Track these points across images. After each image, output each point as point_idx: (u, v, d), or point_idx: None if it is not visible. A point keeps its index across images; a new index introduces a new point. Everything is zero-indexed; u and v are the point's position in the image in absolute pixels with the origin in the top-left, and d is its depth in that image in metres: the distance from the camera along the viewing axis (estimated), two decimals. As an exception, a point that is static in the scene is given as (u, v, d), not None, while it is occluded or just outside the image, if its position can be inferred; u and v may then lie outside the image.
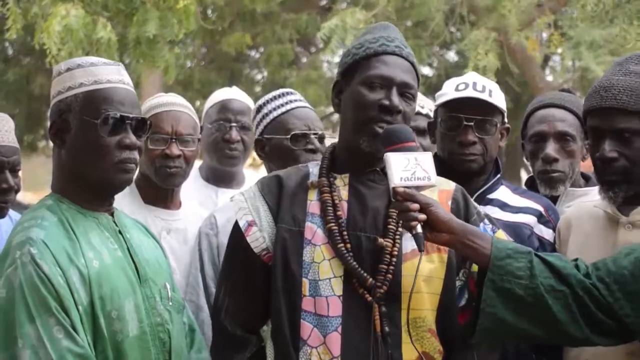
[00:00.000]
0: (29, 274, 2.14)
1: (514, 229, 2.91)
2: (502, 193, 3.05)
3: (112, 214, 2.42)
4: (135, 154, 2.35)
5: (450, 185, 2.52)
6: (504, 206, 3.00)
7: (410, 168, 2.25)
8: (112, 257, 2.31)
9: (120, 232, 2.40)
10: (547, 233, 2.96)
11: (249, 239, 2.42)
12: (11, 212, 3.30)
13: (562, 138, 3.21)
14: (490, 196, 3.02)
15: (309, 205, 2.42)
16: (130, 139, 2.32)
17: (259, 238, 2.41)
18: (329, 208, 2.38)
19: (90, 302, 2.22)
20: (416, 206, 2.23)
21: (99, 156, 2.30)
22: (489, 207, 2.96)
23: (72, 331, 2.15)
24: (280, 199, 2.44)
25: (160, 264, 2.51)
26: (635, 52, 2.60)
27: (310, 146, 3.10)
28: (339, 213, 2.37)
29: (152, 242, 2.57)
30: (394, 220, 2.35)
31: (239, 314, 2.44)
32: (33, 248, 2.17)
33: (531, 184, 3.38)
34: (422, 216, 2.23)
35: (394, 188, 2.25)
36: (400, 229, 2.35)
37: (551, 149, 3.20)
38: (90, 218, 2.34)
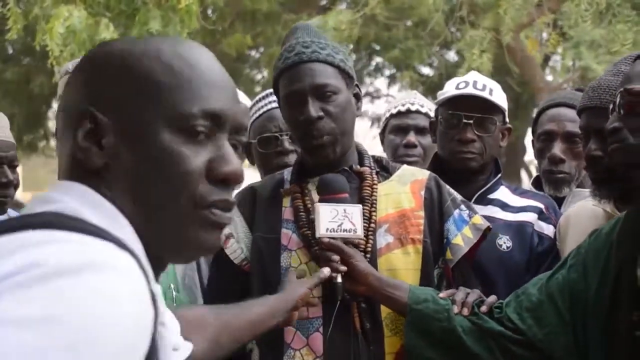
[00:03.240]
0: None
1: (517, 229, 2.92)
2: (502, 193, 3.04)
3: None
4: None
5: (424, 175, 2.54)
6: (504, 206, 2.99)
7: (338, 220, 2.31)
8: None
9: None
10: (547, 229, 2.95)
11: (227, 251, 2.45)
12: (11, 212, 3.30)
13: (570, 139, 3.17)
14: (491, 196, 3.01)
15: (284, 212, 2.45)
16: None
17: (237, 249, 2.45)
18: (301, 213, 2.41)
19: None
20: (336, 258, 2.28)
21: None
22: (490, 207, 2.95)
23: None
24: (255, 208, 2.47)
25: (164, 265, 2.50)
26: (633, 52, 2.60)
27: (279, 148, 3.08)
28: (311, 217, 2.38)
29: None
30: (366, 217, 2.38)
31: None
32: None
33: (537, 184, 3.37)
34: (343, 268, 2.28)
35: (319, 238, 2.30)
36: (372, 225, 2.38)
37: (558, 149, 3.18)
38: (94, 218, 2.32)
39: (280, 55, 2.45)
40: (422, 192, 2.48)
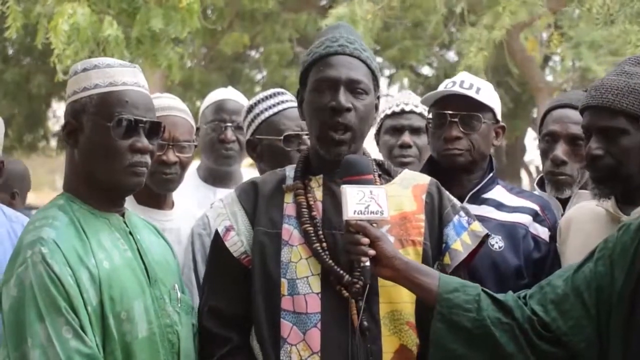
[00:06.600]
0: (40, 274, 2.15)
1: (509, 229, 2.93)
2: (498, 192, 3.04)
3: (122, 215, 2.43)
4: (147, 158, 2.35)
5: (425, 180, 2.57)
6: (499, 206, 2.99)
7: (365, 202, 2.30)
8: (123, 258, 2.32)
9: (130, 232, 2.40)
10: (542, 232, 2.95)
11: (227, 244, 2.47)
12: (7, 210, 3.28)
13: (574, 141, 3.14)
14: (485, 195, 3.01)
15: (285, 208, 2.47)
16: (143, 143, 2.32)
17: (237, 242, 2.47)
18: (304, 210, 2.43)
19: (99, 303, 2.22)
20: (366, 240, 2.27)
21: (111, 159, 2.30)
22: (484, 206, 2.96)
23: (81, 331, 2.16)
24: (257, 203, 2.49)
25: (169, 265, 2.52)
26: (637, 54, 2.62)
27: (303, 146, 3.12)
28: (314, 213, 2.42)
29: (162, 243, 2.58)
30: None
31: (220, 314, 2.48)
32: (44, 248, 2.17)
33: (541, 184, 3.36)
34: (372, 252, 2.27)
35: (347, 220, 2.29)
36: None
37: (560, 150, 3.16)
38: (101, 218, 2.34)
39: (319, 43, 2.49)
40: (424, 196, 2.50)
